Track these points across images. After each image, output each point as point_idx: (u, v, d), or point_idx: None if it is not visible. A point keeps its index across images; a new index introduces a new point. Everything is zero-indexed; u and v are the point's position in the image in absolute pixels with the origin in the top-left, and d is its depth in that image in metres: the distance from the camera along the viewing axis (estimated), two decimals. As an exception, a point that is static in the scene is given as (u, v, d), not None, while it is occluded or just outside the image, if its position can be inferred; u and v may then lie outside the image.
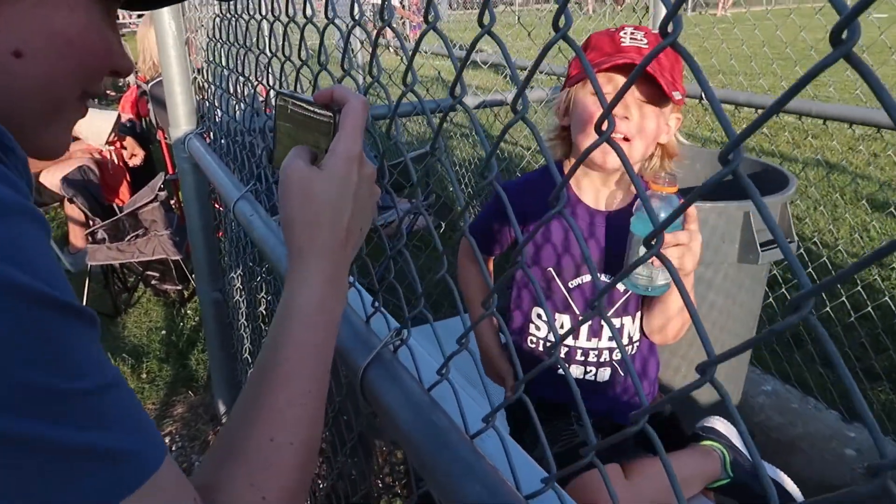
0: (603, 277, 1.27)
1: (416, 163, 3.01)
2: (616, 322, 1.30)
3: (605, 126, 0.41)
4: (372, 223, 0.78)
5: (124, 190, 4.29)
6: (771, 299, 2.61)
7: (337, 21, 0.85)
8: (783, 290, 2.59)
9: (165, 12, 1.90)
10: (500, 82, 3.24)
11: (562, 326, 1.30)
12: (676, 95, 1.12)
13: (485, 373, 1.37)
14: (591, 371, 1.32)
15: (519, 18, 3.25)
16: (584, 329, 1.29)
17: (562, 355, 1.32)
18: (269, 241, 1.10)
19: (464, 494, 0.54)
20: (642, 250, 1.12)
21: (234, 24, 1.45)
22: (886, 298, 2.53)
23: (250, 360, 2.16)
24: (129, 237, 3.40)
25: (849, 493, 0.32)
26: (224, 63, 1.56)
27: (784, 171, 2.06)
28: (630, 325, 1.32)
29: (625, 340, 1.32)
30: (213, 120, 1.91)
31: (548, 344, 1.33)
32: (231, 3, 1.39)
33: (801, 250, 2.74)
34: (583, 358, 1.31)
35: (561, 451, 1.24)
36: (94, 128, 3.94)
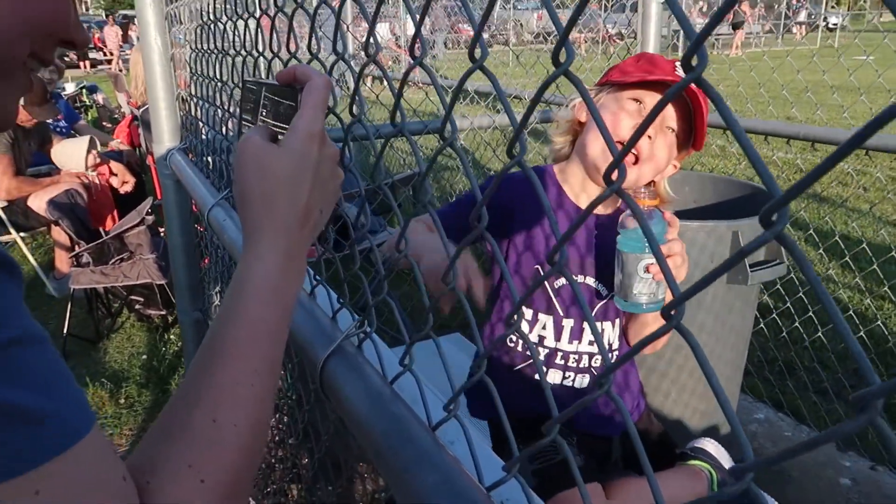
0: (588, 280, 1.25)
1: (404, 184, 3.00)
2: (597, 326, 1.26)
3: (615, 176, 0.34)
4: (337, 210, 0.74)
5: (112, 216, 4.27)
6: (762, 325, 2.57)
7: (322, 56, 0.82)
8: (774, 315, 2.55)
9: (151, 27, 1.89)
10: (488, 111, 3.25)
11: (544, 327, 1.26)
12: (700, 143, 1.15)
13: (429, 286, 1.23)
14: (569, 377, 1.28)
15: (518, 57, 3.27)
16: (566, 331, 1.26)
17: (541, 356, 1.27)
18: (237, 245, 1.07)
19: (420, 484, 0.49)
20: (640, 268, 1.08)
21: (216, 59, 1.43)
22: (879, 323, 2.50)
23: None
24: (113, 261, 3.35)
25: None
26: (205, 89, 1.54)
27: (773, 193, 2.05)
28: (610, 331, 1.29)
29: (604, 347, 1.28)
30: (197, 136, 1.88)
31: (536, 343, 1.28)
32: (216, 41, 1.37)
33: (791, 275, 2.72)
34: (562, 362, 1.27)
35: (539, 469, 1.18)
36: (69, 153, 3.94)
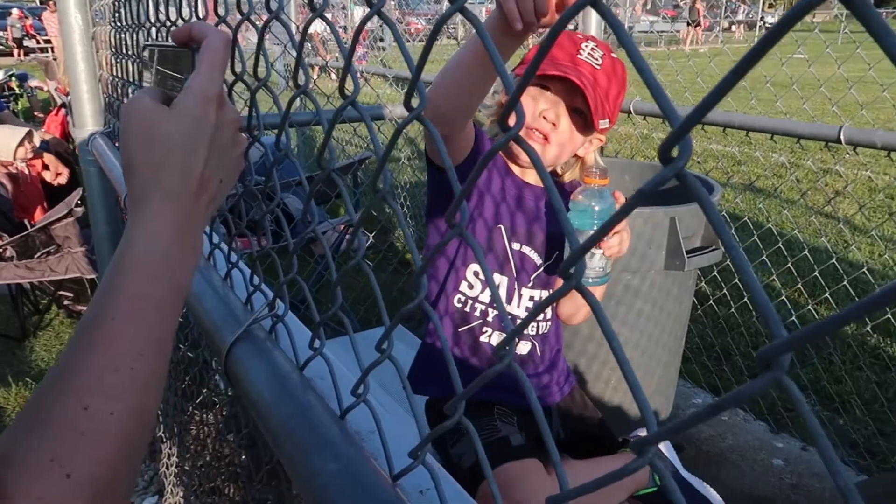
0: (531, 250, 1.26)
1: (343, 172, 2.93)
2: (534, 294, 1.28)
3: (511, 120, 0.32)
4: (241, 182, 0.70)
5: (41, 208, 4.07)
6: (700, 311, 2.61)
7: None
8: (711, 302, 2.60)
9: (71, 5, 1.79)
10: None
11: (498, 286, 1.25)
12: (603, 124, 1.17)
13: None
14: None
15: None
16: (503, 293, 1.26)
17: (477, 316, 1.27)
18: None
19: (318, 472, 0.46)
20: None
21: (134, 33, 1.35)
22: (809, 308, 2.57)
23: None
24: (39, 255, 3.19)
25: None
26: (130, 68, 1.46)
27: (708, 180, 2.08)
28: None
29: (540, 316, 1.30)
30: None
31: (478, 303, 1.27)
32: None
33: (728, 262, 2.78)
34: (501, 324, 1.27)
35: (483, 444, 1.17)
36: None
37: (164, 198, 0.51)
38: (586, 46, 1.17)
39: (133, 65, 1.34)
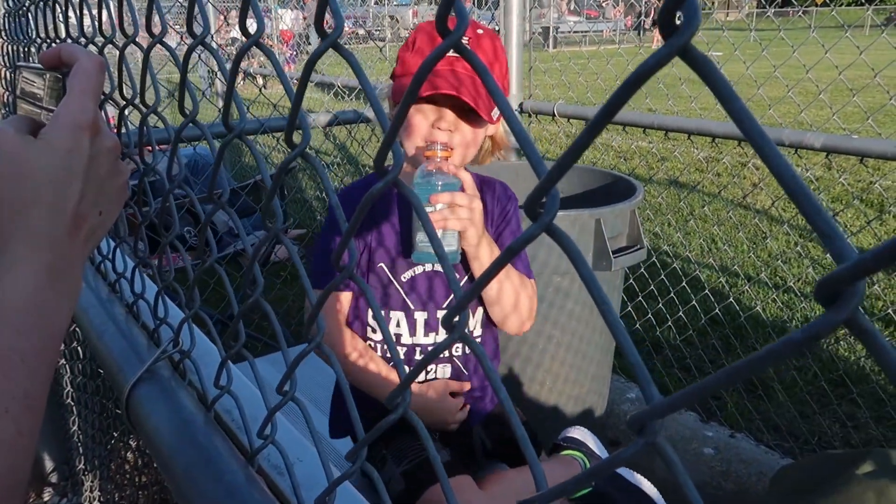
0: (422, 267, 1.24)
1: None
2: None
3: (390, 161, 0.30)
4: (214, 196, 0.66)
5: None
6: (630, 309, 2.68)
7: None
8: (640, 299, 2.66)
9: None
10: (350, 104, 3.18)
11: (398, 325, 1.23)
12: (495, 115, 1.16)
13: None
14: (432, 369, 1.27)
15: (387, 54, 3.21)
16: (420, 324, 1.24)
17: (402, 356, 1.25)
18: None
19: (222, 528, 0.43)
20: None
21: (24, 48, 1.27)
22: (731, 300, 2.67)
23: (75, 410, 1.91)
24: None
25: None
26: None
27: (631, 181, 2.12)
28: (469, 318, 1.26)
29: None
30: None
31: (383, 346, 1.25)
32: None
33: (654, 258, 2.85)
34: (422, 356, 1.23)
35: (408, 469, 1.15)
36: None
37: (33, 240, 0.47)
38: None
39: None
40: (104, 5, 0.64)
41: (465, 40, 1.13)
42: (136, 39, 0.62)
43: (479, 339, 1.31)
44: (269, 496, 0.45)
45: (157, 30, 0.52)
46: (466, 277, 1.24)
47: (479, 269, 1.16)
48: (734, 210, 4.60)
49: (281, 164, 0.37)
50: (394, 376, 1.26)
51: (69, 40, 0.75)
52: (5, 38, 1.43)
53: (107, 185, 0.51)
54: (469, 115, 1.15)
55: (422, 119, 1.16)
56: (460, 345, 1.27)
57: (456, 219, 1.06)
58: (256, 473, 0.51)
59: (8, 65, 1.46)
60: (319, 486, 0.49)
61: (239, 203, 2.86)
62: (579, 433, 1.44)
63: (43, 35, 0.97)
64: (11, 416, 0.42)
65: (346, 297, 1.25)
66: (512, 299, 1.20)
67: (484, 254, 1.14)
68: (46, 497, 2.30)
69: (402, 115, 0.28)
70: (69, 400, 1.83)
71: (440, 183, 1.06)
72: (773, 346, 0.18)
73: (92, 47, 0.70)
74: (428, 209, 1.04)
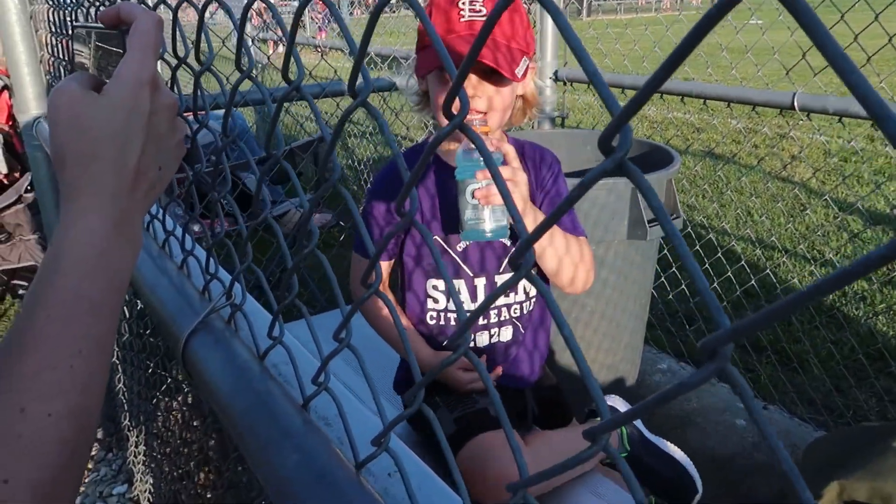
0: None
1: (303, 151, 2.87)
2: (508, 277, 1.26)
3: (455, 107, 0.31)
4: (191, 166, 0.68)
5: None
6: (663, 279, 2.66)
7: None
8: (673, 269, 2.64)
9: (5, -19, 1.70)
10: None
11: (459, 292, 1.26)
12: (520, 72, 1.12)
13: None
14: (495, 333, 1.30)
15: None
16: (481, 290, 1.26)
17: (453, 326, 1.28)
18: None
19: (280, 466, 0.45)
20: (468, 194, 1.09)
21: (73, 10, 1.29)
22: (768, 272, 2.63)
23: (121, 368, 1.98)
24: (-11, 243, 3.08)
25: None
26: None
27: (668, 149, 2.09)
28: (525, 281, 1.28)
29: (521, 297, 1.31)
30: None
31: (449, 313, 1.28)
32: None
33: (689, 229, 2.82)
34: (485, 321, 1.28)
35: (461, 416, 1.19)
36: None
37: (98, 192, 0.49)
38: (465, 3, 1.11)
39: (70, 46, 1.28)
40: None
41: (479, 2, 1.11)
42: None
43: (533, 300, 1.33)
44: (324, 436, 0.47)
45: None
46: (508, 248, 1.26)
47: (544, 253, 1.16)
48: (772, 182, 4.51)
49: (343, 113, 0.38)
50: (420, 344, 1.29)
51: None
52: (52, 3, 1.46)
53: (165, 141, 0.53)
54: (492, 76, 1.13)
55: (443, 90, 1.15)
56: (519, 306, 1.30)
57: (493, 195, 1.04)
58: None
59: (54, 30, 1.49)
60: (368, 435, 0.51)
61: (274, 170, 2.88)
62: (614, 401, 1.46)
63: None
64: (84, 358, 0.45)
65: (383, 266, 1.28)
66: (570, 270, 1.20)
67: (529, 225, 1.13)
68: (93, 452, 2.39)
69: (460, 80, 0.28)
70: (114, 358, 1.89)
71: (481, 160, 1.05)
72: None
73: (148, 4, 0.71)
74: (472, 186, 1.03)
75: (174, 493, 1.93)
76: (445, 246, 1.25)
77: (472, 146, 1.05)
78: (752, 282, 2.49)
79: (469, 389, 1.25)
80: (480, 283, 1.26)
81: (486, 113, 1.14)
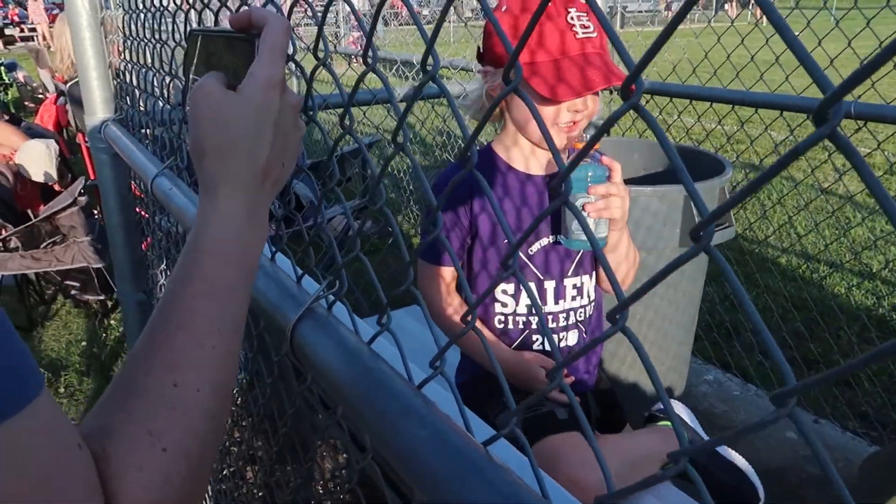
0: (549, 240, 1.27)
1: (353, 157, 2.91)
2: (576, 281, 1.30)
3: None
4: (297, 165, 0.70)
5: (41, 199, 4.04)
6: (710, 289, 2.63)
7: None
8: (720, 279, 2.62)
9: (78, -10, 1.77)
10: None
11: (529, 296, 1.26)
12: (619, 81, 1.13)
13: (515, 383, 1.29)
14: (562, 337, 1.31)
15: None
16: (550, 293, 1.28)
17: (521, 328, 1.30)
18: (188, 211, 1.01)
19: (412, 438, 0.46)
20: (578, 206, 1.13)
21: (154, 17, 1.34)
22: (815, 286, 2.59)
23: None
24: (45, 244, 3.18)
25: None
26: (145, 51, 1.45)
27: (720, 158, 2.08)
28: (588, 283, 1.32)
29: (585, 300, 1.32)
30: (134, 106, 1.78)
31: (517, 316, 1.29)
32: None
33: (738, 239, 2.79)
34: (553, 324, 1.30)
35: (526, 418, 1.20)
36: (35, 158, 3.71)
37: (234, 183, 0.52)
38: (573, 19, 1.10)
39: (154, 50, 1.33)
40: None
41: (585, 17, 1.10)
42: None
43: (594, 304, 1.34)
44: (447, 416, 0.49)
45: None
46: (579, 255, 1.28)
47: (613, 258, 1.22)
48: (813, 193, 4.44)
49: (416, 88, 0.40)
50: (500, 346, 1.30)
51: (233, 5, 0.80)
52: (129, 9, 1.52)
53: (290, 139, 0.55)
54: None
55: (549, 114, 1.14)
56: (583, 310, 1.32)
57: (616, 207, 1.12)
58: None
59: (130, 36, 1.54)
60: (481, 426, 0.52)
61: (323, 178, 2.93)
62: (682, 409, 1.45)
63: (178, 3, 1.02)
64: (223, 336, 0.47)
65: (446, 272, 1.29)
66: (632, 278, 1.29)
67: (623, 243, 1.21)
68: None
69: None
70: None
71: (590, 173, 1.10)
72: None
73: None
74: (582, 199, 1.10)
75: (224, 492, 1.96)
76: (523, 250, 1.26)
77: (586, 160, 1.09)
78: (804, 293, 2.45)
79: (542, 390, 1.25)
80: (550, 286, 1.28)
81: (575, 123, 1.16)
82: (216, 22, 0.88)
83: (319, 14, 0.62)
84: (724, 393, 2.37)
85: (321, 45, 0.63)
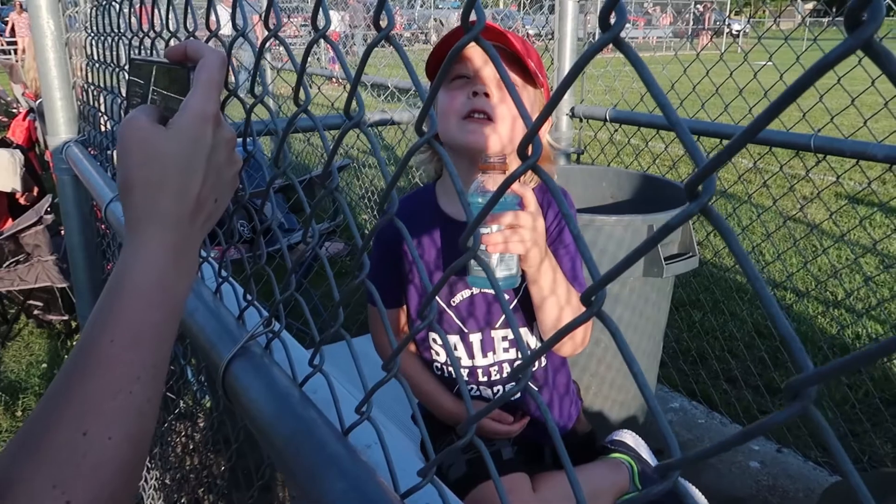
0: (472, 291, 1.20)
1: (322, 181, 2.90)
2: (508, 333, 1.20)
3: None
4: (233, 204, 0.70)
5: (6, 217, 3.98)
6: (676, 316, 2.65)
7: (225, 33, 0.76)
8: (686, 307, 2.64)
9: (43, 9, 1.75)
10: (379, 104, 3.21)
11: (455, 348, 1.21)
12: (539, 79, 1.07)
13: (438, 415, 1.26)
14: (498, 391, 1.24)
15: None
16: (477, 346, 1.21)
17: (465, 378, 1.24)
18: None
19: (327, 492, 0.45)
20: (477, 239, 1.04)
21: (113, 41, 1.33)
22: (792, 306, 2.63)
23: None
24: (8, 263, 3.12)
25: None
26: (105, 75, 1.43)
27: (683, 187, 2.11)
28: (528, 336, 1.22)
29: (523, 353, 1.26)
30: (97, 127, 1.76)
31: (448, 366, 1.24)
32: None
33: (702, 268, 2.82)
34: (486, 378, 1.23)
35: (473, 458, 1.17)
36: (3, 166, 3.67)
37: (162, 221, 0.51)
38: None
39: (111, 74, 1.32)
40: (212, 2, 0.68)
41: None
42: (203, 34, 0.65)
43: (544, 358, 1.26)
44: (368, 465, 0.48)
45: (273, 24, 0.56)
46: (516, 300, 1.16)
47: (537, 293, 1.05)
48: (780, 220, 4.51)
49: (341, 132, 0.39)
50: (443, 395, 1.25)
51: (182, 36, 0.79)
52: (91, 32, 1.50)
53: (223, 174, 0.55)
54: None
55: (455, 92, 1.08)
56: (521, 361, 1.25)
57: (518, 241, 0.93)
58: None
59: (92, 59, 1.53)
60: (405, 463, 0.52)
61: (293, 199, 2.93)
62: (631, 438, 1.44)
63: (136, 30, 1.02)
64: (142, 384, 0.46)
65: (393, 313, 1.26)
66: (555, 311, 1.07)
67: (545, 278, 1.02)
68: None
69: (436, 86, 0.30)
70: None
71: (480, 200, 0.93)
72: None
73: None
74: (485, 231, 0.93)
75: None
76: (441, 303, 1.21)
77: (486, 187, 0.99)
78: (768, 323, 2.48)
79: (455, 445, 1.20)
80: (476, 337, 1.21)
81: (488, 114, 1.06)
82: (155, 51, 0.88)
83: (303, 45, 0.62)
84: (689, 421, 2.37)
85: (258, 81, 0.63)
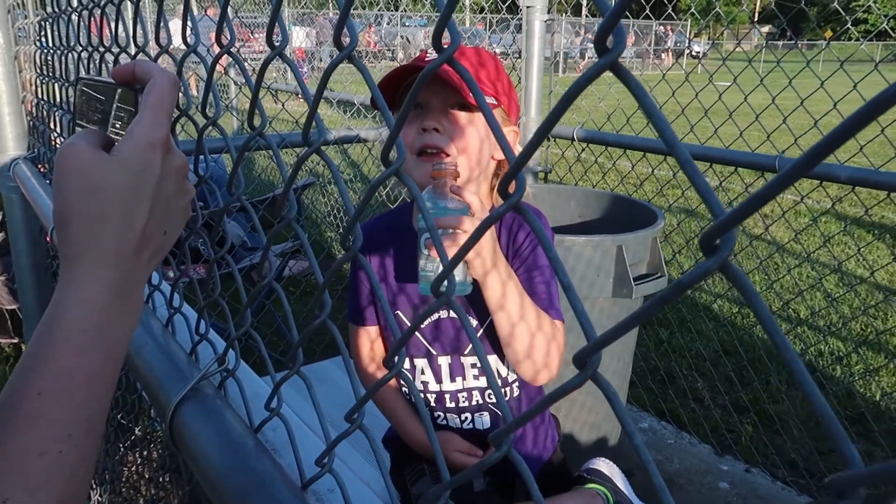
0: (440, 314, 1.16)
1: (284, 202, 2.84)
2: (476, 360, 1.16)
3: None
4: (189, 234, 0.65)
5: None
6: (644, 336, 2.65)
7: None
8: (655, 326, 2.64)
9: (-9, 21, 1.68)
10: (345, 120, 3.17)
11: (422, 372, 1.18)
12: (490, 100, 1.03)
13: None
14: (467, 418, 1.20)
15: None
16: (445, 370, 1.17)
17: (432, 402, 1.20)
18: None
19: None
20: (423, 243, 1.00)
21: (62, 55, 1.27)
22: (745, 332, 2.64)
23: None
24: (-47, 284, 2.97)
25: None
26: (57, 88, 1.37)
27: (652, 208, 2.11)
28: (499, 364, 1.17)
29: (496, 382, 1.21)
30: (48, 144, 1.68)
31: (421, 391, 1.20)
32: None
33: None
34: (453, 403, 1.19)
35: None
36: None
37: (101, 257, 0.46)
38: (431, 52, 1.05)
39: (61, 89, 1.26)
40: (163, 16, 0.63)
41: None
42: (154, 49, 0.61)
43: (515, 383, 1.21)
44: (329, 528, 0.43)
45: (225, 41, 0.51)
46: (482, 329, 1.12)
47: (504, 319, 1.01)
48: (746, 241, 4.58)
49: (300, 158, 0.36)
50: (412, 423, 1.21)
51: (132, 51, 0.74)
52: (39, 46, 1.44)
53: (173, 204, 0.50)
54: (462, 111, 1.04)
55: (408, 129, 1.04)
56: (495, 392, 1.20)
57: (456, 246, 0.90)
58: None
59: (42, 73, 1.46)
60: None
61: (257, 217, 2.84)
62: (606, 467, 1.40)
63: (86, 44, 0.96)
64: (74, 441, 0.41)
65: (364, 331, 1.22)
66: (526, 343, 1.03)
67: (493, 285, 0.98)
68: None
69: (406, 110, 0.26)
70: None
71: (450, 206, 0.93)
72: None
73: (144, 56, 0.69)
74: (426, 235, 0.92)
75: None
76: (410, 320, 1.17)
77: (441, 192, 0.96)
78: (735, 340, 2.49)
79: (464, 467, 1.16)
80: (444, 361, 1.17)
81: (441, 149, 1.03)
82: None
83: (257, 64, 0.58)
84: (658, 441, 2.36)
85: (210, 102, 0.59)
